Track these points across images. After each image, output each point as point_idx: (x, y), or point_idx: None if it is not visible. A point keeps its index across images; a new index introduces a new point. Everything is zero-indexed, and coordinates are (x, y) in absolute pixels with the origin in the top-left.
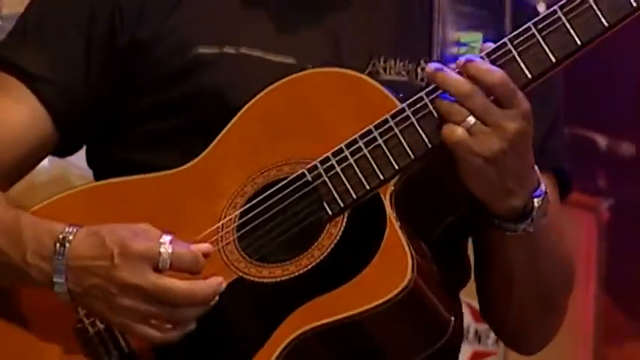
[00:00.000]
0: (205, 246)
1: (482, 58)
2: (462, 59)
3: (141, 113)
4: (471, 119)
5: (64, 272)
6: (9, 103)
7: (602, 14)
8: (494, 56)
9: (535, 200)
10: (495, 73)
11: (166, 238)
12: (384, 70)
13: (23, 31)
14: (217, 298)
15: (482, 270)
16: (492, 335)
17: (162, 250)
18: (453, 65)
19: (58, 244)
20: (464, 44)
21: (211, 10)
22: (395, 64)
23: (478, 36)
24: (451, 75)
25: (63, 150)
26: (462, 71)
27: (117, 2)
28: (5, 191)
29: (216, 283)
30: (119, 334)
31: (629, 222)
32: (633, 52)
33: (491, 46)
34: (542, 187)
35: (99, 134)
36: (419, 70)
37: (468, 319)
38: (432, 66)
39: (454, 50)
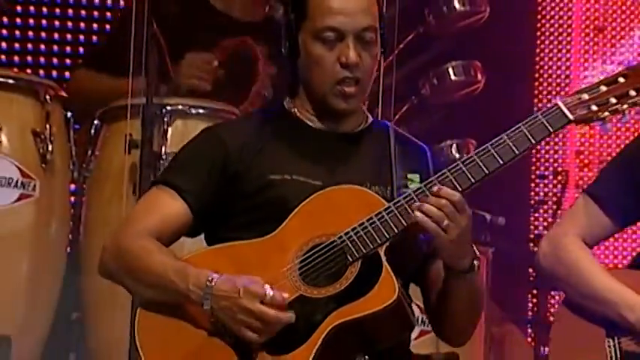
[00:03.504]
0: (286, 295)
1: (433, 180)
2: (438, 188)
3: (237, 212)
4: (446, 221)
5: (210, 298)
6: (170, 204)
7: (499, 156)
8: (440, 179)
9: (474, 261)
10: (457, 194)
11: (268, 287)
12: (370, 189)
13: (176, 165)
14: (293, 321)
15: (432, 301)
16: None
17: (267, 292)
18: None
19: (208, 282)
20: (410, 179)
21: (277, 153)
22: (376, 187)
23: (417, 176)
24: (434, 199)
25: (194, 233)
26: (440, 194)
27: (227, 153)
28: None
29: (290, 315)
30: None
31: (502, 261)
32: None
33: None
34: (476, 251)
35: (214, 223)
36: (387, 191)
37: (417, 312)
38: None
39: (404, 182)
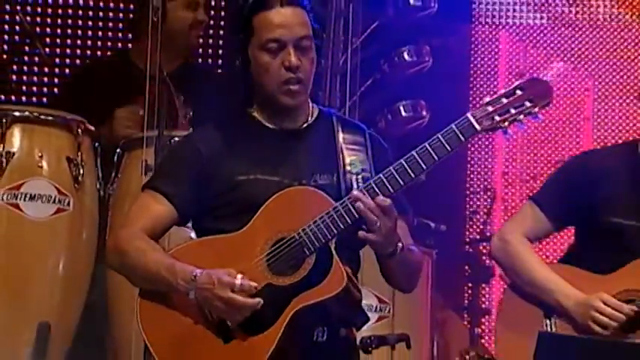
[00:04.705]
0: (254, 283)
1: (370, 182)
2: (378, 199)
3: (215, 207)
4: (378, 223)
5: (194, 290)
6: (158, 206)
7: (422, 161)
8: (376, 182)
9: (398, 246)
10: (387, 200)
11: (239, 277)
12: (319, 178)
13: (161, 171)
14: (259, 306)
15: (383, 270)
16: (386, 309)
17: (236, 282)
18: (354, 187)
19: (192, 277)
20: (352, 163)
21: (242, 155)
22: (324, 175)
23: (357, 160)
24: (368, 201)
25: (181, 224)
26: (376, 202)
27: (202, 159)
28: None
29: (257, 301)
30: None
31: (444, 260)
32: (445, 172)
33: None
34: (401, 239)
35: (196, 216)
36: (334, 177)
37: (375, 301)
38: (355, 193)
39: (348, 167)
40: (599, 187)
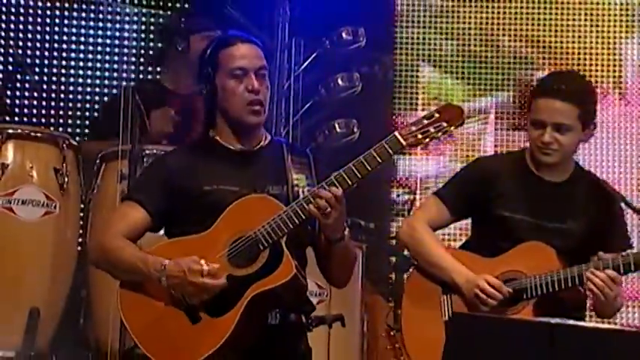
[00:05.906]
0: (217, 265)
1: (312, 191)
2: (335, 190)
3: (183, 213)
4: (329, 209)
5: (165, 277)
6: (134, 213)
7: (367, 163)
8: (331, 179)
9: (344, 233)
10: (339, 190)
11: (203, 262)
12: (271, 189)
13: (137, 184)
14: (224, 286)
15: (322, 261)
16: (324, 294)
17: (204, 267)
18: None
19: (162, 267)
20: (298, 179)
21: (206, 169)
22: (275, 186)
23: (303, 177)
24: (324, 193)
25: (155, 230)
26: (331, 192)
27: (171, 174)
28: None
29: (222, 282)
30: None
31: (372, 253)
32: (373, 179)
33: (337, 173)
34: (347, 228)
35: (167, 223)
36: (284, 189)
37: (315, 287)
38: (316, 190)
39: (295, 182)
40: (493, 186)
